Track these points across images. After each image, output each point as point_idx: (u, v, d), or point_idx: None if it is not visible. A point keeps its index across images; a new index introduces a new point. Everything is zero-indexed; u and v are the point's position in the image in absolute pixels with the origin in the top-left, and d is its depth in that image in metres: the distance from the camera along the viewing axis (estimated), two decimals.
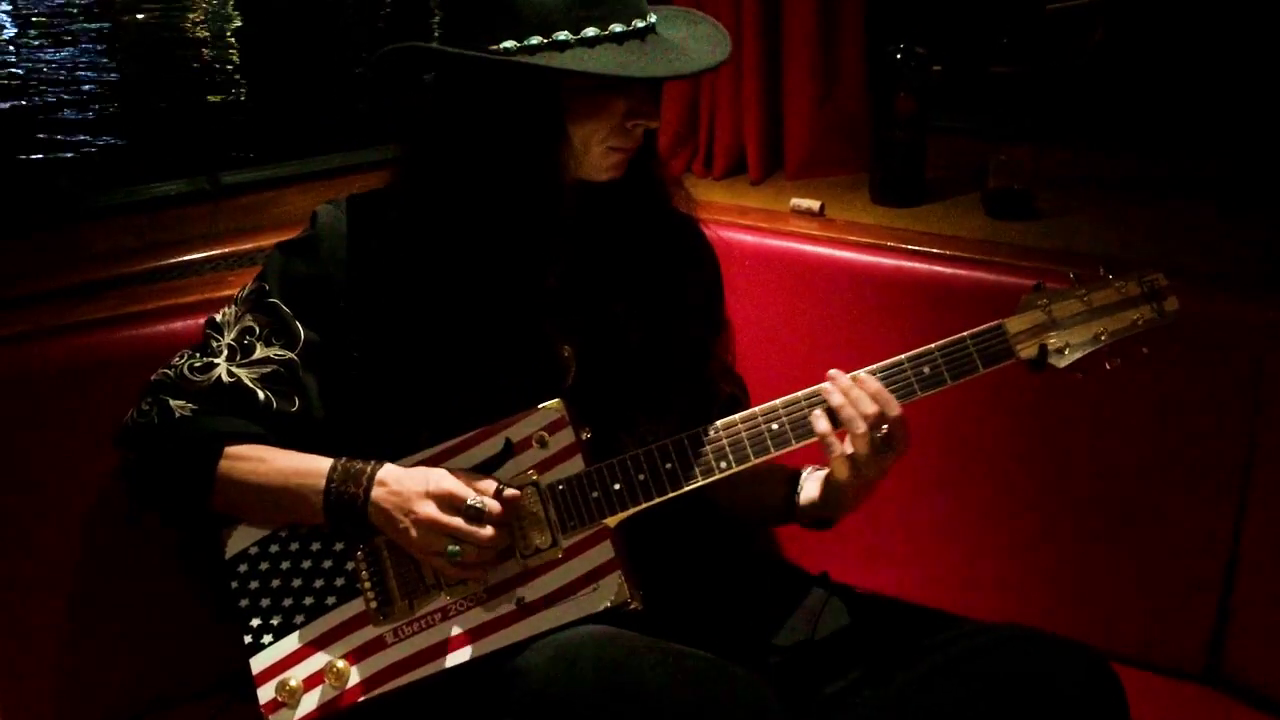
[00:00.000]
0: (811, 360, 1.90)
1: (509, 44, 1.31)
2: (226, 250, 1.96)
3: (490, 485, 1.37)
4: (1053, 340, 1.38)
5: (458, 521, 1.34)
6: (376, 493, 1.37)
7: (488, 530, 1.35)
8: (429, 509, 1.35)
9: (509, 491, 1.37)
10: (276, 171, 2.09)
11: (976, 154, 2.18)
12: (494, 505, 1.35)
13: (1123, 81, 2.37)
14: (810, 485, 1.52)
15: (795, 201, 2.11)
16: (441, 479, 1.36)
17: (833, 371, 1.39)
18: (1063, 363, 1.38)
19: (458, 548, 1.34)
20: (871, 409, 1.35)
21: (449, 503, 1.35)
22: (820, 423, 1.37)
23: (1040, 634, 1.36)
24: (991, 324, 1.39)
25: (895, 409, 1.36)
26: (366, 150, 2.07)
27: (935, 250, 1.87)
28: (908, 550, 1.91)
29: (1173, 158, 2.16)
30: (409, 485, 1.36)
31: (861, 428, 1.35)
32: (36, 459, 1.61)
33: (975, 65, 2.50)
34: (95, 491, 1.59)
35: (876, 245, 1.92)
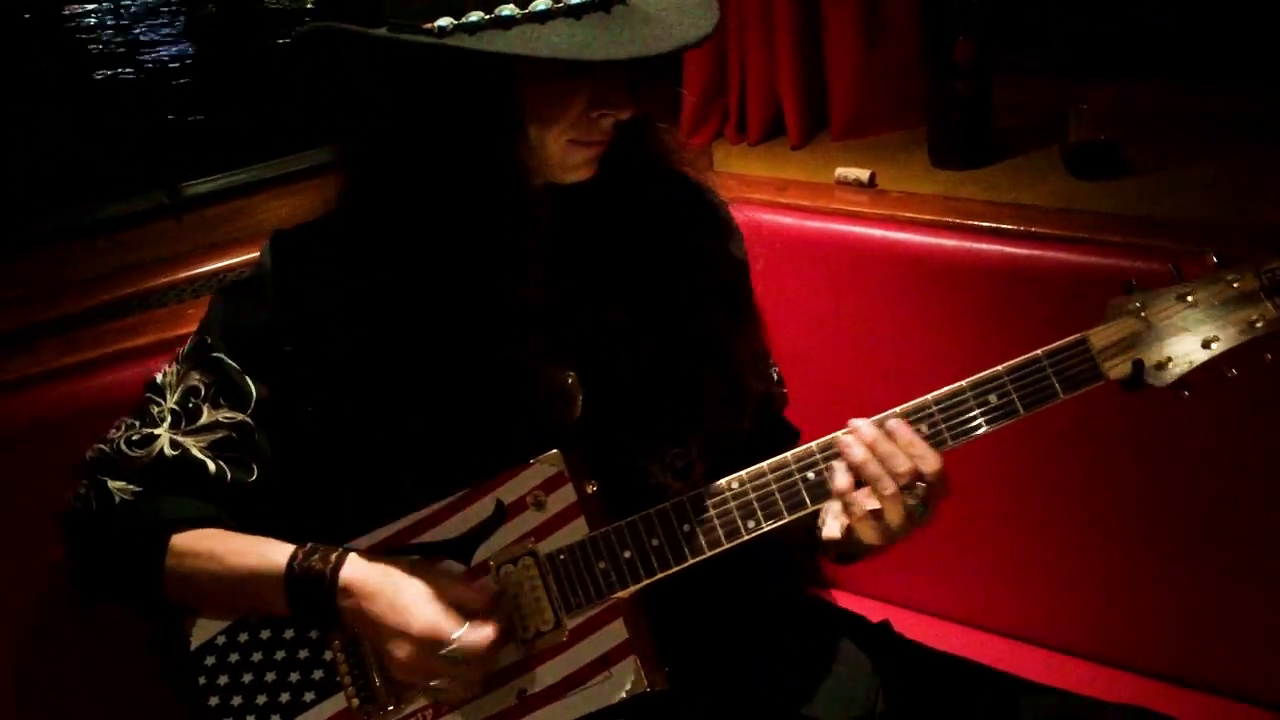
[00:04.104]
0: (861, 363, 1.81)
1: (445, 22, 1.15)
2: (193, 273, 1.86)
3: (479, 598, 1.25)
4: (1151, 354, 1.19)
5: (434, 664, 1.22)
6: (342, 601, 1.25)
7: (474, 671, 1.23)
8: (404, 652, 1.22)
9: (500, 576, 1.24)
10: (245, 178, 1.96)
11: (1053, 96, 2.02)
12: (483, 637, 1.22)
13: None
14: (832, 522, 1.34)
15: (841, 171, 1.96)
16: (412, 614, 1.22)
17: (854, 421, 1.22)
18: (1164, 380, 1.20)
19: (441, 684, 1.23)
20: (905, 466, 1.18)
21: (428, 644, 1.22)
22: (840, 478, 1.21)
23: (1157, 716, 1.19)
24: (1072, 339, 1.22)
25: (933, 464, 1.19)
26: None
27: (1006, 226, 1.71)
28: (987, 581, 1.78)
29: None
30: (379, 608, 1.23)
31: (890, 488, 1.18)
32: None
33: None
34: (43, 574, 1.49)
35: (936, 223, 1.77)
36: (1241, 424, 1.54)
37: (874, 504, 1.20)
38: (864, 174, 1.92)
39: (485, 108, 1.19)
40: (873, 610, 1.55)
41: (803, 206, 1.89)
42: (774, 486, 1.24)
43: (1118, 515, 1.66)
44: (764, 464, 1.25)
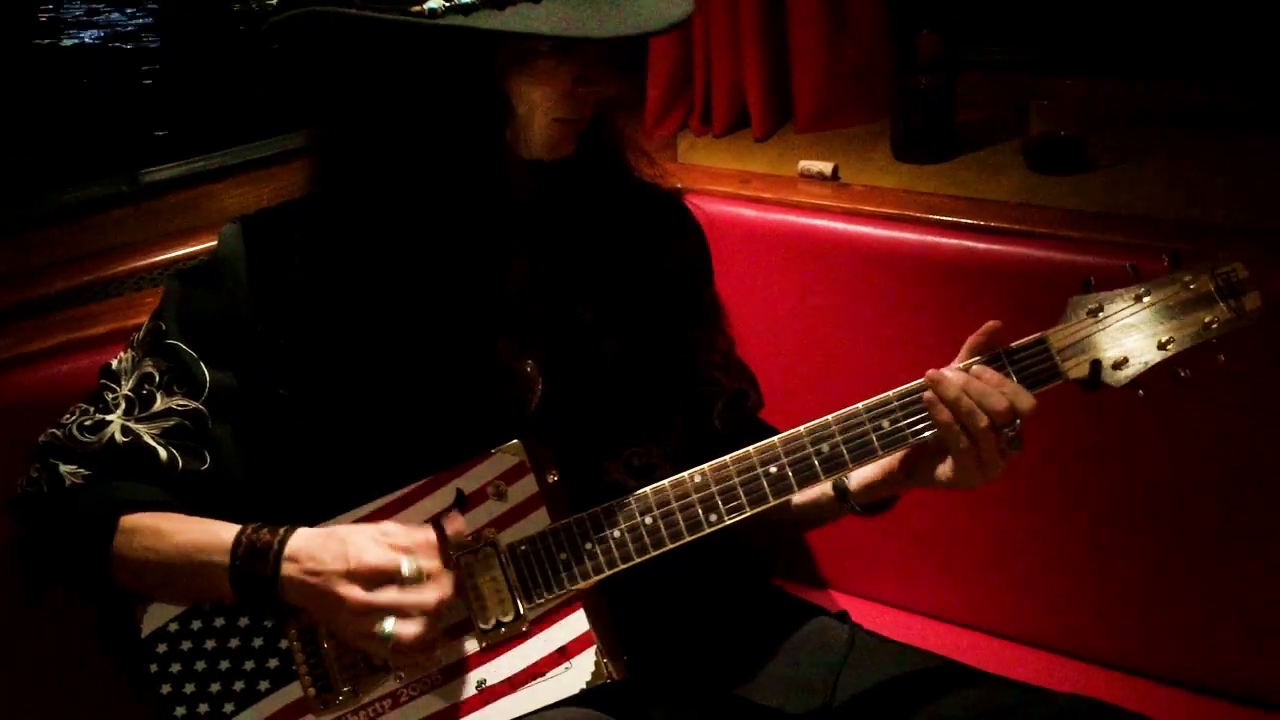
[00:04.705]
0: (821, 356, 1.81)
1: (436, 4, 1.16)
2: (152, 261, 1.84)
3: (428, 537, 1.23)
4: (1108, 354, 1.22)
5: (390, 596, 1.19)
6: (288, 570, 1.22)
7: (430, 595, 1.19)
8: (353, 592, 1.19)
9: (452, 526, 1.23)
10: (204, 165, 1.94)
11: (1017, 90, 2.04)
12: (432, 563, 1.21)
13: None
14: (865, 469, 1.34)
15: (804, 164, 1.97)
16: (363, 551, 1.20)
17: (933, 372, 1.23)
18: (1120, 380, 1.23)
19: (391, 628, 1.18)
20: (1002, 404, 1.19)
21: (377, 578, 1.20)
22: (942, 412, 1.20)
23: (1106, 707, 1.22)
24: (1032, 338, 1.24)
25: (1027, 400, 1.21)
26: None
27: (966, 221, 1.73)
28: (944, 573, 1.80)
29: (1259, 87, 1.95)
30: (327, 561, 1.21)
31: (983, 422, 1.19)
32: None
33: None
34: None
35: (897, 217, 1.78)
36: (1195, 418, 1.56)
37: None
38: (826, 167, 1.94)
39: (475, 87, 1.21)
40: (832, 602, 1.57)
41: (765, 199, 1.90)
42: (736, 480, 1.25)
43: (1075, 509, 1.68)
44: (727, 457, 1.26)
